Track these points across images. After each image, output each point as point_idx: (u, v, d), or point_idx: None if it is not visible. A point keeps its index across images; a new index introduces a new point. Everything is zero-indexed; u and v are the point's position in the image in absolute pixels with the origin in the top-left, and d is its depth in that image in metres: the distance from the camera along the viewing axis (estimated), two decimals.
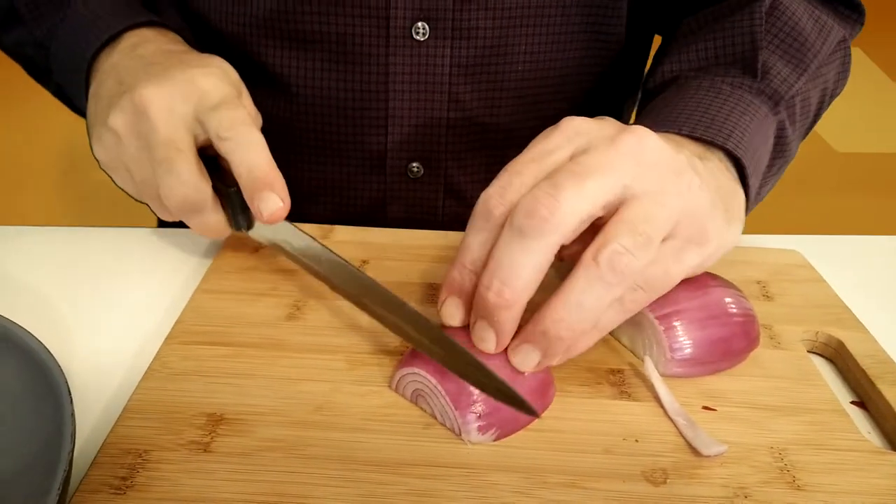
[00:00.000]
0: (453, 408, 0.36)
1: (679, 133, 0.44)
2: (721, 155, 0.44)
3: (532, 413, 0.35)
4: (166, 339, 0.43)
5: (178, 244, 0.55)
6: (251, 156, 0.44)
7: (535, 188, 0.35)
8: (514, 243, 0.35)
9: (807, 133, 0.58)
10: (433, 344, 0.38)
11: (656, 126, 0.45)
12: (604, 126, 0.38)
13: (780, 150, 0.52)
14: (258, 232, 0.48)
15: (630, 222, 0.35)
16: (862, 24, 0.58)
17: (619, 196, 0.35)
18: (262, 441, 0.36)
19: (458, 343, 0.37)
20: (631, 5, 0.59)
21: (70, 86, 0.56)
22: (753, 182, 0.44)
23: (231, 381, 0.40)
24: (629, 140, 0.36)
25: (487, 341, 0.37)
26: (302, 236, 0.46)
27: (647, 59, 0.67)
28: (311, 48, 0.56)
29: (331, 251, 0.44)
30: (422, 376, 0.38)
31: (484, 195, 0.37)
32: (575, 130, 0.38)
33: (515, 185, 0.37)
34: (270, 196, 0.43)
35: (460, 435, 0.36)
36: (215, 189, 0.46)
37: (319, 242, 0.45)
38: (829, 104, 0.59)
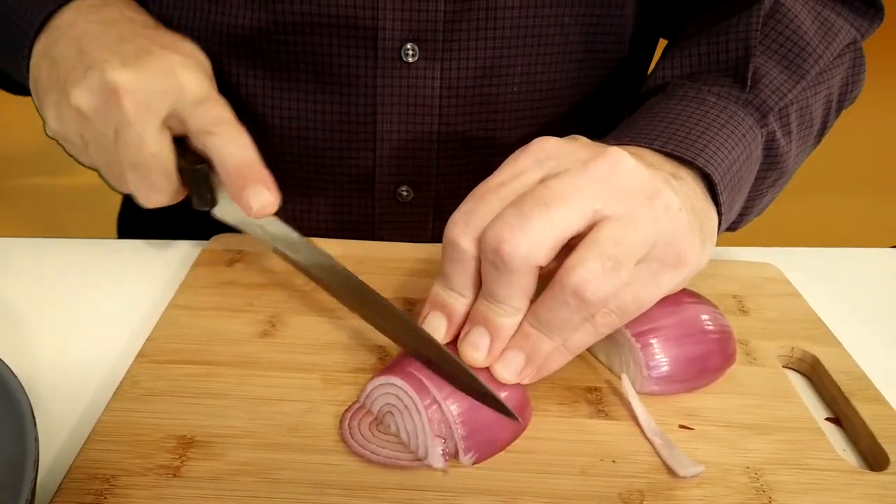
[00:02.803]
0: (428, 428, 0.36)
1: (651, 147, 0.43)
2: (694, 172, 0.43)
3: (512, 417, 0.36)
4: (137, 357, 0.42)
5: (151, 257, 0.54)
6: (238, 151, 0.43)
7: (499, 218, 0.35)
8: (493, 276, 0.36)
9: (817, 141, 0.56)
10: (411, 338, 0.39)
11: (632, 138, 0.44)
12: (576, 149, 0.38)
13: (773, 163, 0.50)
14: (224, 211, 0.47)
15: (600, 245, 0.34)
16: (881, 18, 0.56)
17: (589, 220, 0.35)
18: (234, 464, 0.35)
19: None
20: (638, 12, 0.57)
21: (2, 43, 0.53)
22: (725, 199, 0.44)
23: (203, 401, 0.39)
24: (602, 164, 0.36)
25: (480, 349, 0.37)
26: (277, 223, 0.45)
27: (649, 66, 0.66)
28: (295, 69, 0.53)
29: (308, 241, 0.44)
30: (397, 388, 0.37)
31: (450, 222, 0.37)
32: (546, 153, 0.38)
33: (481, 211, 0.36)
34: (261, 190, 0.42)
35: (424, 458, 0.36)
36: (180, 166, 0.45)
37: (295, 231, 0.45)
38: (839, 110, 0.57)
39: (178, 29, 0.54)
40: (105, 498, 0.33)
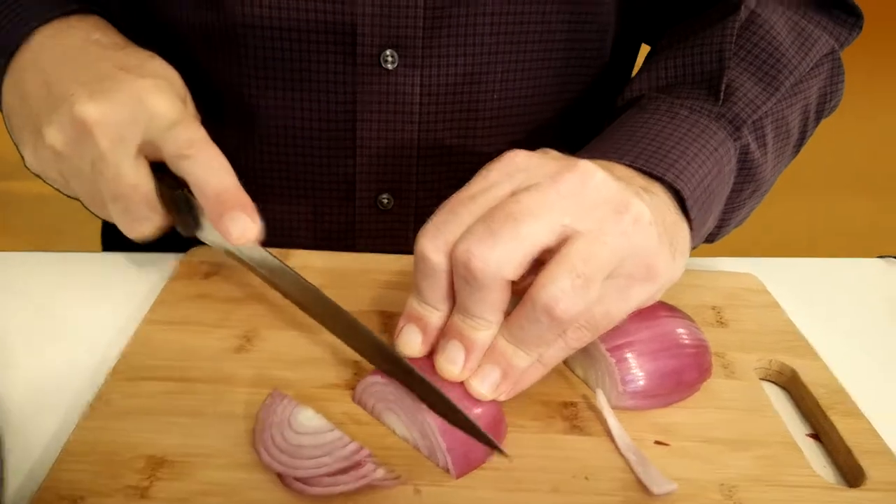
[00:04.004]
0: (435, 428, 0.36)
1: (621, 162, 0.43)
2: (665, 187, 0.43)
3: (499, 451, 0.35)
4: (109, 374, 0.41)
5: (128, 271, 0.54)
6: (217, 176, 0.42)
7: (469, 233, 0.35)
8: (465, 290, 0.36)
9: (795, 151, 0.56)
10: (387, 364, 0.39)
11: (603, 153, 0.44)
12: (546, 162, 0.38)
13: (748, 175, 0.51)
14: (208, 234, 0.46)
15: (570, 262, 0.34)
16: (860, 27, 0.56)
17: (559, 235, 0.35)
18: (203, 484, 0.35)
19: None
20: (618, 20, 0.57)
21: None
22: (696, 213, 0.44)
23: (176, 419, 0.39)
24: (571, 178, 0.36)
25: (456, 363, 0.37)
26: (256, 248, 0.44)
27: (630, 75, 0.66)
28: (274, 74, 0.53)
29: (284, 264, 0.43)
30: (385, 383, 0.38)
31: (419, 235, 0.37)
32: (516, 166, 0.38)
33: (451, 224, 0.36)
34: (241, 217, 0.41)
35: (431, 455, 0.37)
36: (161, 192, 0.45)
37: (272, 254, 0.44)
38: (818, 119, 0.57)
39: (159, 26, 0.53)
40: None
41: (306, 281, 0.43)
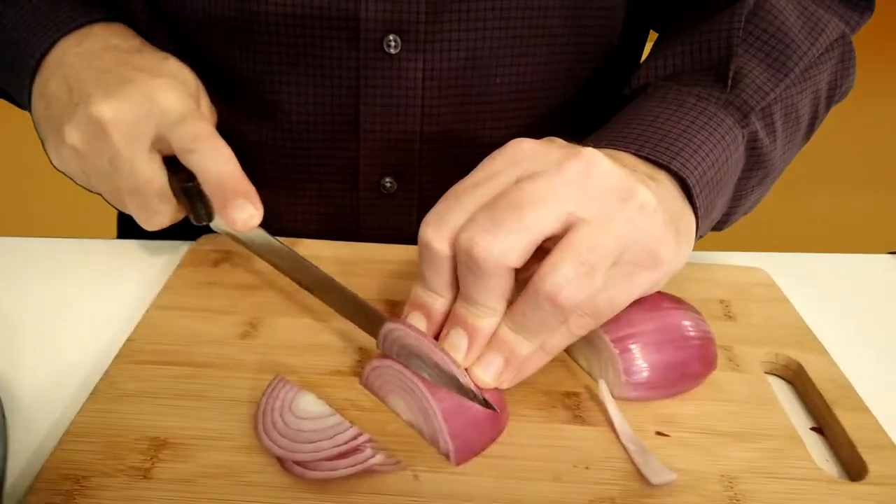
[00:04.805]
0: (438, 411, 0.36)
1: (627, 150, 0.43)
2: (670, 175, 0.43)
3: (492, 408, 0.37)
4: (115, 357, 0.42)
5: (140, 258, 0.54)
6: (220, 166, 0.44)
7: (472, 221, 0.35)
8: (468, 278, 0.36)
9: (806, 138, 0.56)
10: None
11: (609, 141, 0.44)
12: (551, 150, 0.38)
13: (757, 162, 0.50)
14: (217, 225, 0.49)
15: (574, 250, 0.34)
16: (871, 10, 0.55)
17: (563, 223, 0.35)
18: (204, 467, 0.35)
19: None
20: (628, 7, 0.57)
21: (3, 73, 0.56)
22: (702, 202, 0.43)
23: (180, 402, 0.39)
24: (576, 166, 0.35)
25: (459, 350, 0.37)
26: (263, 234, 0.47)
27: (638, 61, 0.65)
28: (279, 59, 0.54)
29: (291, 249, 0.46)
30: (397, 371, 0.38)
31: (423, 223, 0.37)
32: (522, 154, 0.38)
33: (454, 212, 0.36)
34: (244, 205, 0.43)
35: (432, 439, 0.37)
36: (174, 185, 0.47)
37: (278, 240, 0.47)
38: (829, 106, 0.56)
39: (169, 15, 0.54)
40: (74, 499, 0.33)
41: (312, 264, 0.45)
